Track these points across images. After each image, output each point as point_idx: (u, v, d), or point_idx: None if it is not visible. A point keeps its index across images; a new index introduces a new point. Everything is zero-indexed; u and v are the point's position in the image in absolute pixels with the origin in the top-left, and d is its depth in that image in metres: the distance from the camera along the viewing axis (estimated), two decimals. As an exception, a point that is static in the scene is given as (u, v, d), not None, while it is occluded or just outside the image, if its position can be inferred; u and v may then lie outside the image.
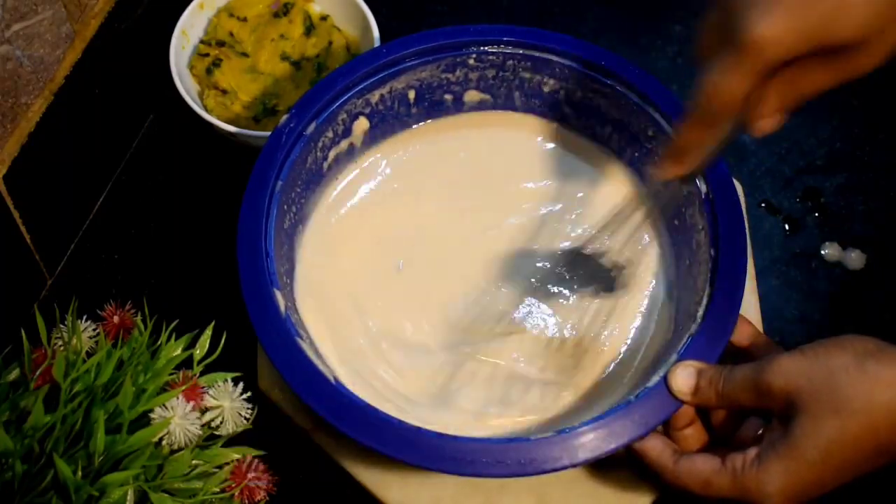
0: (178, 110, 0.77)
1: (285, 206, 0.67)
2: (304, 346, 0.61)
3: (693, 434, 0.61)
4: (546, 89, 0.72)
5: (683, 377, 0.59)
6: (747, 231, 0.65)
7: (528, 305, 0.69)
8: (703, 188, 0.66)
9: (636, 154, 0.72)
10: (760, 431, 0.58)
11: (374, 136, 0.73)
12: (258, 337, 0.61)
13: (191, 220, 0.78)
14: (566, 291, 0.69)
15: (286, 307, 0.62)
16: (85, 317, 0.65)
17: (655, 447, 0.59)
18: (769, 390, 0.56)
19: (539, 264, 0.70)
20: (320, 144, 0.70)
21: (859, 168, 0.81)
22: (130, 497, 0.58)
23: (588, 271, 0.68)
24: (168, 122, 0.82)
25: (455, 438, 0.58)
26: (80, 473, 0.57)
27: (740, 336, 0.63)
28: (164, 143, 0.82)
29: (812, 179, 0.81)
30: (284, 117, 0.68)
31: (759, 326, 0.70)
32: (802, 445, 0.54)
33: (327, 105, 0.69)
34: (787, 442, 0.54)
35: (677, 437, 0.61)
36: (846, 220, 0.79)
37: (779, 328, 0.74)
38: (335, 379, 0.60)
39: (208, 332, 0.65)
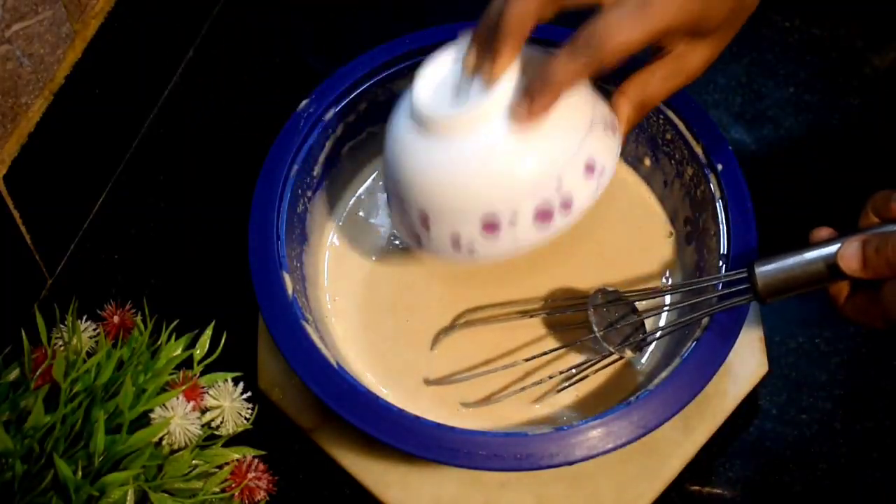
0: (177, 110, 0.77)
1: (299, 191, 0.67)
2: (309, 329, 0.61)
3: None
4: None
5: (850, 252, 0.56)
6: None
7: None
8: (717, 193, 0.66)
9: (654, 161, 0.72)
10: None
11: None
12: (263, 317, 0.62)
13: (191, 220, 0.78)
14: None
15: (293, 290, 0.62)
16: (85, 317, 0.65)
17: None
18: None
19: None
20: (339, 132, 0.70)
21: (860, 168, 0.81)
22: (130, 497, 0.58)
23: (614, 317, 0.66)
24: (168, 121, 0.82)
25: (453, 430, 0.58)
26: (80, 473, 0.57)
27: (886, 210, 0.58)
28: (164, 142, 0.82)
29: (812, 179, 0.81)
30: (304, 102, 0.68)
31: (760, 326, 0.70)
32: None
33: (347, 92, 0.69)
34: None
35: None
36: (846, 220, 0.79)
37: (778, 328, 0.74)
38: (337, 364, 0.60)
39: (208, 332, 0.65)
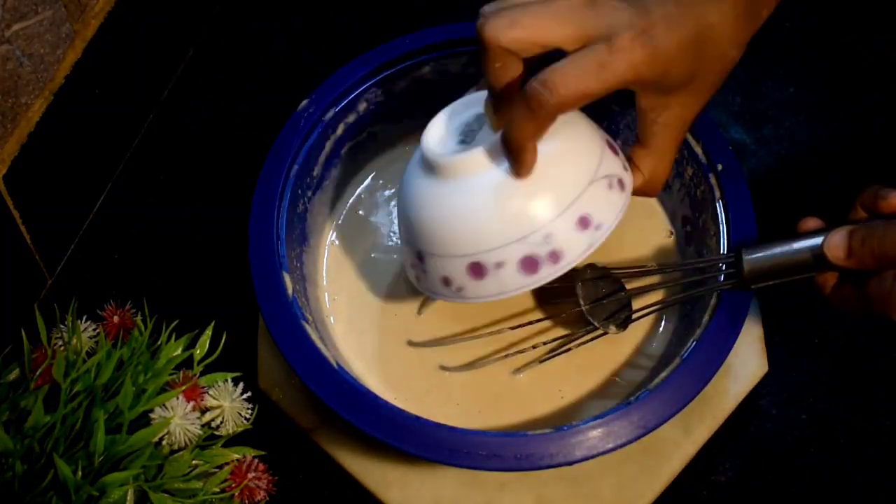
0: (177, 110, 0.77)
1: (300, 191, 0.68)
2: (309, 329, 0.61)
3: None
4: None
5: (836, 240, 0.57)
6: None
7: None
8: (717, 193, 0.66)
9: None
10: None
11: (395, 126, 0.73)
12: (263, 317, 0.62)
13: (191, 220, 0.78)
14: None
15: (293, 290, 0.63)
16: (85, 317, 0.65)
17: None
18: None
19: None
20: (339, 132, 0.70)
21: (859, 168, 0.81)
22: (130, 497, 0.58)
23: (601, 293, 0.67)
24: (168, 121, 0.82)
25: (453, 430, 0.58)
26: (80, 473, 0.57)
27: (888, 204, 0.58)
28: (164, 143, 0.82)
29: (812, 179, 0.81)
30: (304, 102, 0.68)
31: (760, 326, 0.70)
32: None
33: (347, 92, 0.69)
34: None
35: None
36: (845, 220, 0.79)
37: (778, 328, 0.74)
38: (337, 364, 0.60)
39: (208, 332, 0.65)
